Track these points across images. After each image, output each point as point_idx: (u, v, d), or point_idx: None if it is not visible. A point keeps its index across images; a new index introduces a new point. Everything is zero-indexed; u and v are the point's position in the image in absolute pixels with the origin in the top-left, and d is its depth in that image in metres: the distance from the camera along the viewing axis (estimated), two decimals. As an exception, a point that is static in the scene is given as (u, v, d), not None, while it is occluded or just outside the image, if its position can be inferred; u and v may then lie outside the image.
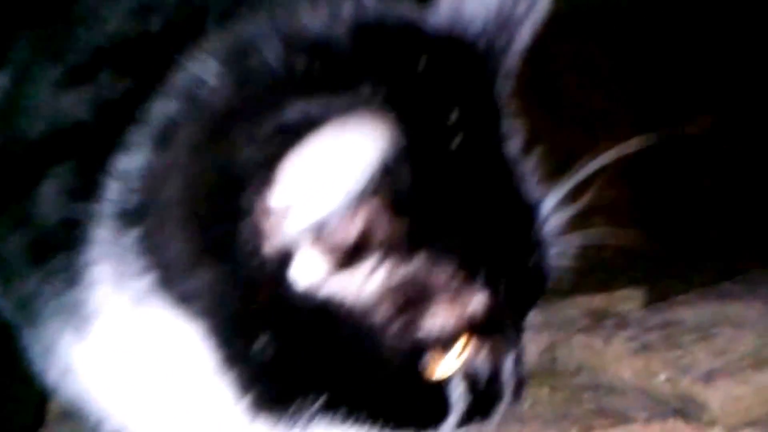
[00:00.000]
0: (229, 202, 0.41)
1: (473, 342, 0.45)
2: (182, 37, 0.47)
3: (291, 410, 0.43)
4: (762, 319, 0.80)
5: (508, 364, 0.47)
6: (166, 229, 0.43)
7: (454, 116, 0.43)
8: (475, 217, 0.44)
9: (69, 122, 0.50)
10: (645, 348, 0.75)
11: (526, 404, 0.72)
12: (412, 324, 0.43)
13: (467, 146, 0.44)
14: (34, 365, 0.60)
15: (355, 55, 0.44)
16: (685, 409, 0.67)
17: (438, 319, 0.43)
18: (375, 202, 0.41)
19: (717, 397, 0.66)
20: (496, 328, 0.46)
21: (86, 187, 0.46)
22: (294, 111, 0.39)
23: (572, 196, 0.48)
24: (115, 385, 0.50)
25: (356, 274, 0.42)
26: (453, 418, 0.45)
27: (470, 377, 0.45)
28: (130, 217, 0.44)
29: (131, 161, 0.45)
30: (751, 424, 0.64)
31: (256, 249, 0.41)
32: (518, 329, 0.48)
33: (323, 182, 0.39)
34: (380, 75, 0.42)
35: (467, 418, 0.46)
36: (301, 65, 0.42)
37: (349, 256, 0.42)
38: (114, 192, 0.45)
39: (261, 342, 0.42)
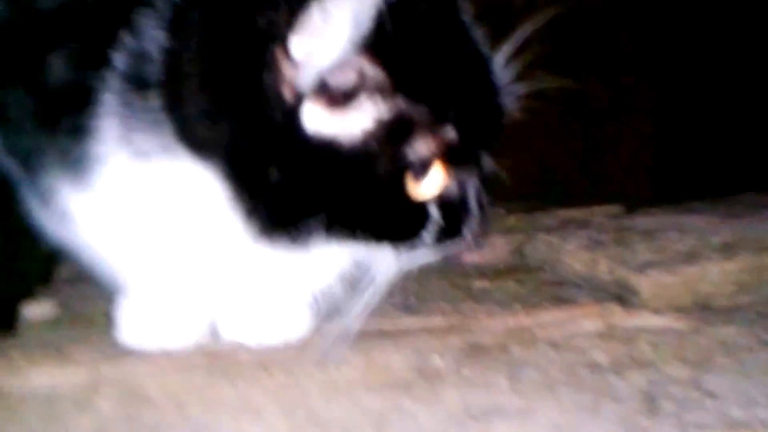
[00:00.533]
0: (251, 58, 0.50)
1: (446, 170, 0.55)
2: None
3: (292, 231, 0.54)
4: (708, 227, 0.90)
5: (471, 190, 0.58)
6: (187, 90, 0.52)
7: None
8: (443, 67, 0.54)
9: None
10: (595, 244, 0.85)
11: (492, 292, 0.83)
12: (396, 152, 0.53)
13: (433, 10, 0.54)
14: (34, 220, 0.69)
15: None
16: (622, 294, 0.76)
17: (417, 147, 0.53)
18: (365, 56, 0.51)
19: (648, 284, 0.75)
20: (463, 158, 0.56)
21: (95, 58, 0.55)
22: None
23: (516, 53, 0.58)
24: (112, 230, 0.60)
25: (351, 113, 0.52)
26: (430, 233, 0.57)
27: (442, 199, 0.56)
28: (144, 82, 0.53)
29: (143, 35, 0.54)
30: (677, 309, 0.72)
31: (277, 94, 0.51)
32: (479, 161, 0.58)
33: (329, 35, 0.49)
34: None
35: (442, 236, 0.57)
36: None
37: (345, 99, 0.52)
38: (123, 62, 0.54)
39: (271, 174, 0.52)
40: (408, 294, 0.78)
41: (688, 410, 0.53)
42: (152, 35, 0.54)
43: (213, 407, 0.55)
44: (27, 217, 0.71)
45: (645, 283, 0.76)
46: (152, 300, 0.65)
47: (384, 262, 0.59)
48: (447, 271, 0.88)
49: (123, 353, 0.64)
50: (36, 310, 0.76)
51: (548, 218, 1.04)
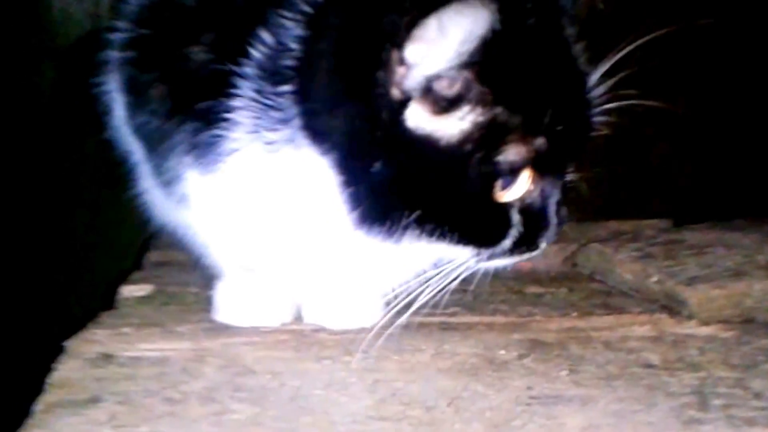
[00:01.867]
0: (371, 55, 0.56)
1: (532, 178, 0.61)
2: None
3: (388, 223, 0.60)
4: (753, 245, 0.94)
5: (552, 204, 0.63)
6: (317, 82, 0.58)
7: (530, 4, 0.59)
8: (541, 82, 0.59)
9: None
10: (646, 257, 0.90)
11: (545, 296, 0.89)
12: (489, 156, 0.58)
13: (538, 27, 0.59)
14: (145, 199, 0.78)
15: None
16: (670, 305, 0.81)
17: (509, 153, 0.59)
18: (471, 71, 0.57)
19: (696, 297, 0.79)
20: (550, 169, 0.62)
21: (233, 51, 0.61)
22: None
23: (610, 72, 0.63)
24: (226, 215, 0.66)
25: (451, 119, 0.58)
26: (510, 239, 0.62)
27: (525, 206, 0.62)
28: (278, 75, 0.60)
29: (281, 30, 0.60)
30: (722, 321, 0.77)
31: (386, 92, 0.57)
32: (564, 173, 0.63)
33: (441, 47, 0.55)
34: None
35: (520, 243, 0.63)
36: None
37: (448, 106, 0.58)
38: (260, 56, 0.60)
39: (376, 167, 0.58)
40: (466, 293, 0.83)
41: (736, 407, 0.59)
42: (290, 31, 0.60)
43: (304, 378, 0.62)
44: (137, 199, 0.79)
45: (693, 296, 0.80)
46: (247, 283, 0.73)
47: (461, 261, 0.64)
48: (501, 274, 0.94)
49: (219, 329, 0.71)
50: (133, 291, 0.84)
51: (599, 229, 1.08)
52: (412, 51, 0.56)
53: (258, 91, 0.61)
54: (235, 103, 0.61)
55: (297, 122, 0.60)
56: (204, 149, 0.64)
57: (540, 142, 0.60)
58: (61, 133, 1.38)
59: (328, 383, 0.61)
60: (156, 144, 0.68)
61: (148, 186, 0.77)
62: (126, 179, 0.81)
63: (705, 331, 0.76)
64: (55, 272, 1.40)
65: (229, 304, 0.73)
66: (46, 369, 0.63)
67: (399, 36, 0.55)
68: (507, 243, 0.63)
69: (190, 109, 0.64)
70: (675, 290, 0.82)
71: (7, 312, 1.39)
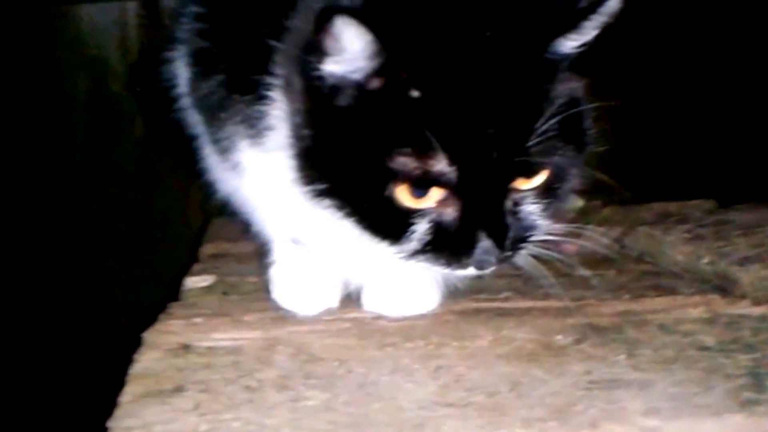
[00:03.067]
0: (311, 53, 0.61)
1: (441, 198, 0.61)
2: None
3: (311, 188, 0.63)
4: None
5: (484, 241, 0.62)
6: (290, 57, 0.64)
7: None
8: (459, 107, 0.59)
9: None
10: (696, 238, 0.91)
11: (595, 279, 0.91)
12: (391, 157, 0.60)
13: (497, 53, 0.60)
14: (207, 173, 0.83)
15: None
16: (722, 286, 0.82)
17: (405, 160, 0.60)
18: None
19: (748, 276, 0.80)
20: (461, 197, 0.61)
21: (276, 31, 0.65)
22: None
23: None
24: (275, 189, 0.70)
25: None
26: (411, 244, 0.63)
27: (437, 225, 0.62)
28: (293, 56, 0.64)
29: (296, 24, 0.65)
30: None
31: (315, 66, 0.61)
32: (494, 214, 0.62)
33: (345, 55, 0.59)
34: None
35: (434, 255, 0.63)
36: None
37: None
38: (290, 42, 0.65)
39: (305, 133, 0.63)
40: (516, 279, 0.85)
41: (792, 389, 0.60)
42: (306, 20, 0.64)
43: (370, 365, 0.65)
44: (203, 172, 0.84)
45: (745, 276, 0.81)
46: (297, 266, 0.76)
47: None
48: (547, 259, 0.96)
49: (284, 318, 0.75)
50: (196, 282, 0.87)
51: (643, 211, 1.09)
52: (325, 40, 0.60)
53: (287, 73, 0.65)
54: (274, 81, 0.66)
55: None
56: (252, 122, 0.69)
57: (440, 164, 0.60)
58: (98, 138, 1.44)
59: (393, 370, 0.64)
60: (214, 114, 0.73)
61: (207, 155, 0.82)
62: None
63: (758, 311, 0.77)
64: (120, 268, 1.47)
65: (282, 288, 0.77)
66: (123, 360, 0.67)
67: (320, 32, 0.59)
68: (410, 246, 0.63)
69: (242, 86, 0.69)
70: (727, 271, 0.83)
71: (79, 306, 1.46)
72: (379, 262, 0.74)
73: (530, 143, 0.61)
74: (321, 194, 0.63)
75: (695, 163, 1.43)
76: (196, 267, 0.94)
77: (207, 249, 1.02)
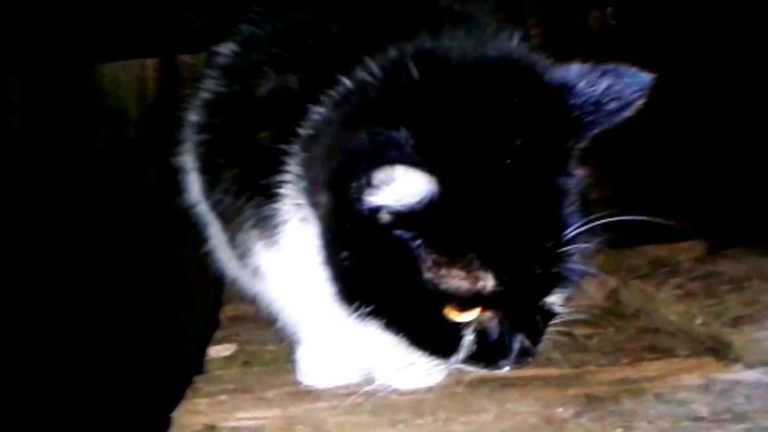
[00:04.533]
0: (352, 180, 0.61)
1: (486, 310, 0.65)
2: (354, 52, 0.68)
3: (354, 308, 0.65)
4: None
5: (517, 338, 0.66)
6: (318, 164, 0.65)
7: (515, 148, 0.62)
8: (503, 230, 0.62)
9: (284, 87, 0.71)
10: (688, 295, 0.96)
11: (594, 339, 0.95)
12: (440, 279, 0.63)
13: (522, 173, 0.63)
14: (221, 268, 0.87)
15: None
16: (716, 348, 0.86)
17: (456, 281, 0.63)
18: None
19: (741, 339, 0.85)
20: (505, 307, 0.65)
21: (286, 133, 0.68)
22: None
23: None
24: (292, 286, 0.73)
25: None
26: (460, 354, 0.67)
27: (481, 333, 0.66)
28: (310, 154, 0.67)
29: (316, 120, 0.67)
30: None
31: (358, 196, 0.61)
32: (531, 318, 0.67)
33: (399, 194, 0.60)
34: None
35: (475, 360, 0.67)
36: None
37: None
38: (305, 138, 0.67)
39: (344, 255, 0.64)
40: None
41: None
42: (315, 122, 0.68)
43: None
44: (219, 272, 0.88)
45: (738, 339, 0.86)
46: (322, 349, 0.81)
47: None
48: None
49: (301, 393, 0.80)
50: (219, 351, 0.92)
51: (635, 257, 1.12)
52: (377, 178, 0.60)
53: (300, 169, 0.68)
54: (285, 177, 0.69)
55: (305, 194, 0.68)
56: (265, 222, 0.71)
57: (485, 281, 0.63)
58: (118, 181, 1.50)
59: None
60: (229, 219, 0.76)
61: (225, 259, 0.86)
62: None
63: (751, 376, 0.81)
64: (138, 320, 1.51)
65: (308, 368, 0.81)
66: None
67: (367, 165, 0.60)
68: (457, 358, 0.67)
69: (255, 186, 0.72)
70: (720, 332, 0.88)
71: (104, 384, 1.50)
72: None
73: (563, 251, 0.64)
74: (367, 315, 0.66)
75: (685, 201, 1.46)
76: (217, 334, 0.99)
77: (227, 311, 1.07)
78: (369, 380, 0.81)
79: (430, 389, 0.79)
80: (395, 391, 0.79)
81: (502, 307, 0.65)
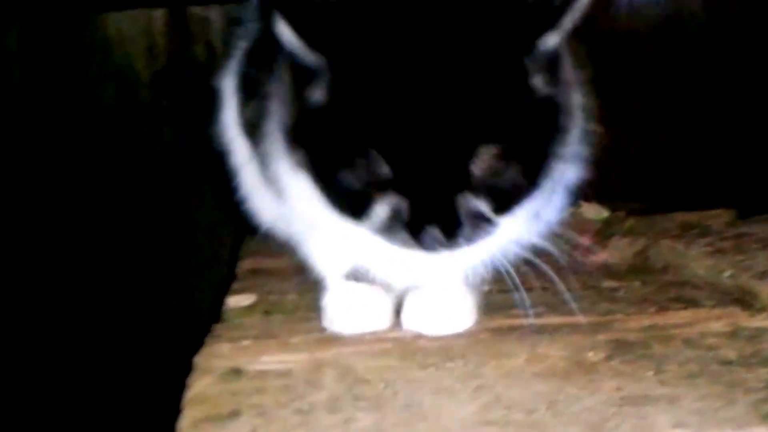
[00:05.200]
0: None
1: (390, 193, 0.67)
2: None
3: (292, 159, 0.70)
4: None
5: (429, 228, 0.67)
6: None
7: None
8: (398, 116, 0.64)
9: None
10: (717, 252, 0.95)
11: (620, 291, 0.94)
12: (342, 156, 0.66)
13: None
14: (248, 202, 0.89)
15: None
16: (743, 299, 0.86)
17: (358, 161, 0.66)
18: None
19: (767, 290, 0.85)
20: (409, 196, 0.67)
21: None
22: None
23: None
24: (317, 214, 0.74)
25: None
26: (372, 222, 0.69)
27: (394, 210, 0.68)
28: None
29: None
30: None
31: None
32: (443, 212, 0.67)
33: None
34: None
35: (390, 236, 0.70)
36: None
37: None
38: None
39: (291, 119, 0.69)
40: (546, 293, 0.89)
41: (810, 400, 0.64)
42: None
43: (414, 386, 0.69)
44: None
45: (764, 290, 0.86)
46: (350, 292, 0.81)
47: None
48: (575, 271, 0.99)
49: (328, 339, 0.79)
50: (238, 301, 0.92)
51: (666, 222, 1.13)
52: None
53: None
54: None
55: None
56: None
57: (381, 169, 0.66)
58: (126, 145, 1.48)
59: (436, 390, 0.68)
60: (261, 141, 0.77)
61: (252, 186, 0.86)
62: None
63: (777, 324, 0.81)
64: (154, 280, 1.51)
65: (335, 313, 0.81)
66: (172, 384, 0.72)
67: None
68: (370, 225, 0.69)
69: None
70: (748, 284, 0.87)
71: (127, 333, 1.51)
72: (420, 282, 0.80)
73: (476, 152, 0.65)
74: (298, 165, 0.70)
75: (714, 171, 1.46)
76: (236, 285, 0.98)
77: (245, 265, 1.07)
78: (395, 328, 0.81)
79: (458, 335, 0.79)
80: (422, 337, 0.79)
81: (405, 195, 0.67)
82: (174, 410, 0.66)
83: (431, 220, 0.67)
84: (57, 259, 1.49)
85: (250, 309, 0.91)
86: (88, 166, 1.48)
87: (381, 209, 0.69)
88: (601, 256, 1.07)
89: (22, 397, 1.50)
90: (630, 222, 1.12)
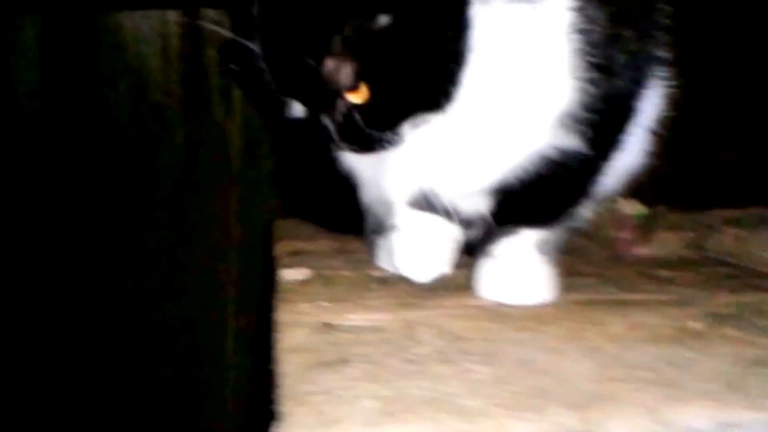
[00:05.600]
0: None
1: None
2: None
3: None
4: None
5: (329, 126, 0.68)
6: None
7: None
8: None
9: None
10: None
11: (676, 280, 0.91)
12: None
13: None
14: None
15: None
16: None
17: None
18: None
19: None
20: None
21: None
22: None
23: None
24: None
25: None
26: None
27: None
28: None
29: None
30: None
31: None
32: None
33: None
34: None
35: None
36: None
37: None
38: None
39: None
40: (604, 280, 0.86)
41: None
42: None
43: (520, 345, 0.64)
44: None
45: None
46: (418, 234, 0.79)
47: None
48: (622, 262, 0.97)
49: (408, 304, 0.74)
50: (293, 275, 0.86)
51: (711, 216, 1.11)
52: None
53: None
54: None
55: None
56: None
57: None
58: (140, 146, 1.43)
59: (544, 349, 0.63)
60: None
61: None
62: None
63: None
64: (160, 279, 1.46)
65: (403, 252, 0.78)
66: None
67: None
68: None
69: None
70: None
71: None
72: (499, 247, 0.76)
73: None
74: None
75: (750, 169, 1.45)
76: (285, 261, 0.92)
77: (283, 247, 1.01)
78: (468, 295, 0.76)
79: (542, 306, 0.75)
80: (504, 305, 0.74)
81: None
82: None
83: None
84: (72, 254, 1.44)
85: (307, 283, 0.84)
86: (98, 164, 1.43)
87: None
88: (644, 250, 1.04)
89: (22, 397, 1.44)
90: (673, 217, 1.10)
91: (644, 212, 1.15)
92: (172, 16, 1.43)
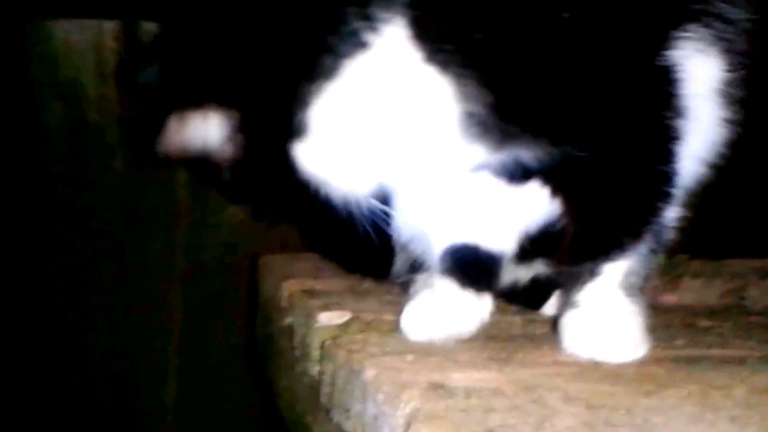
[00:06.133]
0: None
1: None
2: None
3: None
4: None
5: None
6: None
7: None
8: None
9: None
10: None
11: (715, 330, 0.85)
12: None
13: None
14: None
15: None
16: None
17: None
18: None
19: None
20: None
21: None
22: None
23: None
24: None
25: None
26: None
27: None
28: None
29: None
30: None
31: None
32: None
33: None
34: None
35: None
36: None
37: None
38: None
39: None
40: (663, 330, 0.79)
41: None
42: None
43: (662, 414, 0.55)
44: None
45: None
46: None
47: None
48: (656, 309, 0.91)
49: (501, 360, 0.64)
50: (331, 319, 0.74)
51: (735, 267, 1.08)
52: None
53: None
54: None
55: None
56: None
57: None
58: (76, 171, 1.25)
59: (686, 417, 0.55)
60: None
61: None
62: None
63: None
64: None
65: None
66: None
67: None
68: None
69: None
70: None
71: None
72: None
73: None
74: None
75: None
76: (310, 302, 0.79)
77: (292, 285, 0.88)
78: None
79: (635, 362, 0.66)
80: (597, 362, 0.66)
81: None
82: None
83: None
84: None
85: (345, 327, 0.73)
86: (30, 193, 1.24)
87: None
88: (671, 298, 1.00)
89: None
90: (695, 264, 1.06)
91: (663, 259, 1.11)
92: (109, 27, 1.23)
